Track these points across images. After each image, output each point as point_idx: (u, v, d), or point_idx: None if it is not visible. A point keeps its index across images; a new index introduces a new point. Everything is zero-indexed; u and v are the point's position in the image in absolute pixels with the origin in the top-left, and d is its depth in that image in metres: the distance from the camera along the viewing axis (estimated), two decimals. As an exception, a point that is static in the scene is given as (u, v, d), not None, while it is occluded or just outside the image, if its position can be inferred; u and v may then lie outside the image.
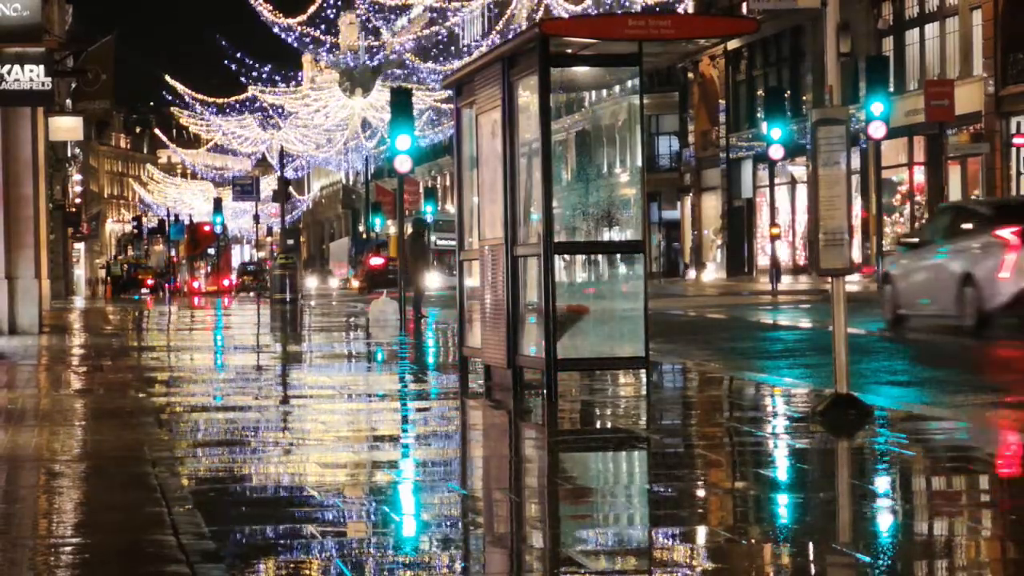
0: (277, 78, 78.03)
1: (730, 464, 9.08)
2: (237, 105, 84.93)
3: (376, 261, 66.00)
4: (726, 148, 61.98)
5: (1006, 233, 20.68)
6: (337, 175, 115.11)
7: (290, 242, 54.30)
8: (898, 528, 6.99)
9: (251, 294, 64.27)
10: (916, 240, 24.01)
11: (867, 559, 6.21)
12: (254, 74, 76.37)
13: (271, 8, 67.71)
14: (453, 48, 74.76)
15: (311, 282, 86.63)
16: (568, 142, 13.90)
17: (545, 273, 12.17)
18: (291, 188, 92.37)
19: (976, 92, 44.90)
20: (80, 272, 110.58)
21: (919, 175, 49.43)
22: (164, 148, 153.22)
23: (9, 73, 23.13)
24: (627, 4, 54.75)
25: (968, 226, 22.09)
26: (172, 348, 22.09)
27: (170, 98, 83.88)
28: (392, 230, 72.03)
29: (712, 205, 64.92)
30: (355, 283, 73.63)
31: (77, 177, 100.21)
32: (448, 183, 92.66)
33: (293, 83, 79.50)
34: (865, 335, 21.17)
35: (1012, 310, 20.55)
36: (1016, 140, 40.88)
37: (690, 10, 54.43)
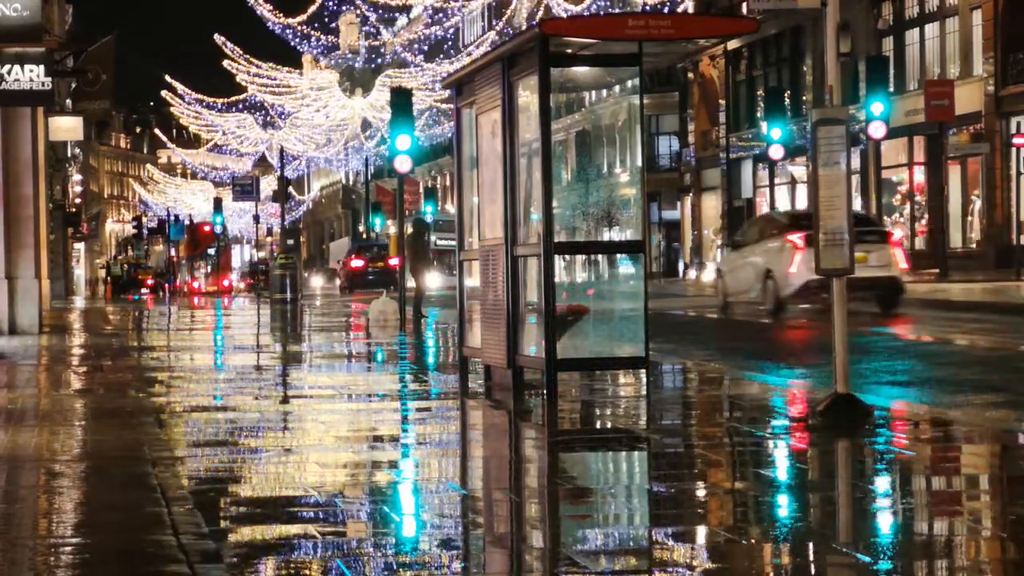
0: (277, 78, 77.97)
1: (730, 464, 9.08)
2: (237, 105, 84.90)
3: (357, 263, 66.17)
4: (726, 148, 61.98)
5: (795, 238, 26.82)
6: (337, 175, 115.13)
7: (290, 242, 54.25)
8: (898, 528, 6.99)
9: (252, 294, 64.27)
10: (739, 242, 30.65)
11: (867, 559, 6.21)
12: (254, 74, 76.31)
13: (271, 8, 67.72)
14: (453, 48, 74.76)
15: (316, 281, 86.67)
16: (568, 142, 13.91)
17: (545, 273, 12.17)
18: (291, 188, 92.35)
19: (976, 92, 44.90)
20: (80, 272, 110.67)
21: (919, 175, 49.44)
22: (164, 148, 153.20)
23: (9, 73, 23.13)
24: (627, 4, 54.73)
25: (771, 232, 28.57)
26: (172, 348, 22.10)
27: (170, 98, 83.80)
28: (392, 230, 72.04)
29: (712, 205, 64.93)
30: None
31: (77, 177, 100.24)
32: (448, 183, 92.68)
33: (293, 82, 79.41)
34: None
35: (799, 298, 27.04)
36: (1016, 140, 40.89)
37: (690, 10, 54.42)
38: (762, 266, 27.71)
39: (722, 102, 62.98)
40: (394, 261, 58.01)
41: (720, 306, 29.70)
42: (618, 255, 13.22)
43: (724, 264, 31.01)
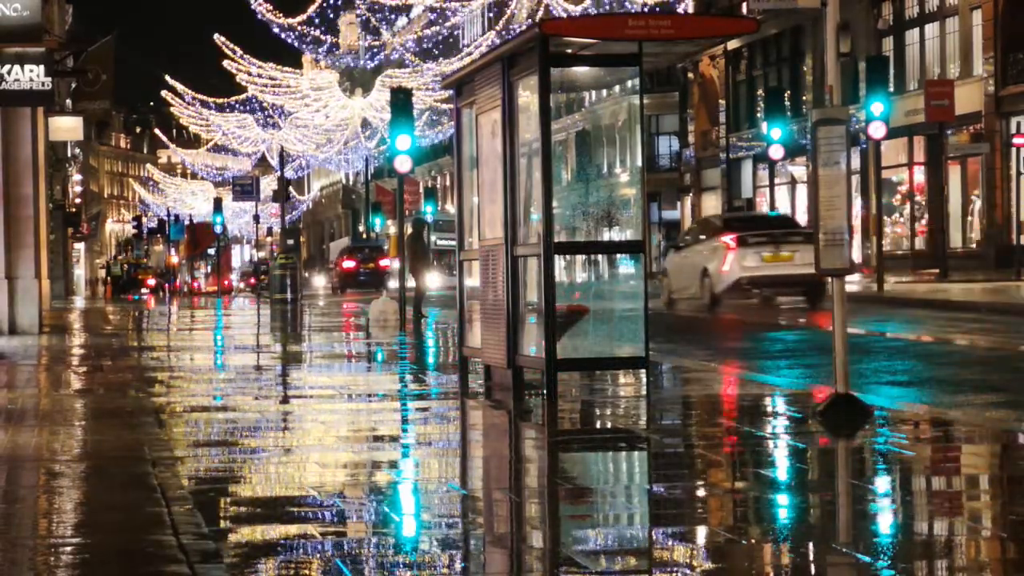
0: (277, 78, 77.93)
1: (730, 464, 9.08)
2: (237, 105, 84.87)
3: (348, 264, 66.29)
4: (726, 148, 61.97)
5: (728, 239, 29.86)
6: (337, 175, 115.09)
7: (290, 242, 54.15)
8: (898, 528, 6.99)
9: (252, 294, 64.23)
10: (681, 243, 33.63)
11: (867, 559, 6.21)
12: (254, 74, 76.29)
13: (271, 8, 67.68)
14: (453, 48, 74.75)
15: (317, 281, 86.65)
16: (568, 142, 13.90)
17: (545, 273, 12.17)
18: (291, 188, 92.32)
19: (976, 92, 44.89)
20: (80, 272, 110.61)
21: (919, 175, 49.42)
22: (164, 148, 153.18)
23: (9, 73, 23.13)
24: (627, 5, 54.74)
25: (708, 233, 31.63)
26: (172, 348, 22.09)
27: (170, 98, 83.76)
28: (392, 230, 72.02)
29: (712, 205, 64.87)
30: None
31: (77, 177, 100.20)
32: (448, 183, 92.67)
33: (293, 82, 79.34)
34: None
35: (731, 294, 29.88)
36: (1016, 140, 40.87)
37: (690, 10, 54.41)
38: (699, 265, 30.41)
39: (722, 102, 62.96)
40: (385, 262, 58.15)
41: (665, 302, 31.80)
42: (618, 255, 13.22)
43: (668, 263, 33.39)
